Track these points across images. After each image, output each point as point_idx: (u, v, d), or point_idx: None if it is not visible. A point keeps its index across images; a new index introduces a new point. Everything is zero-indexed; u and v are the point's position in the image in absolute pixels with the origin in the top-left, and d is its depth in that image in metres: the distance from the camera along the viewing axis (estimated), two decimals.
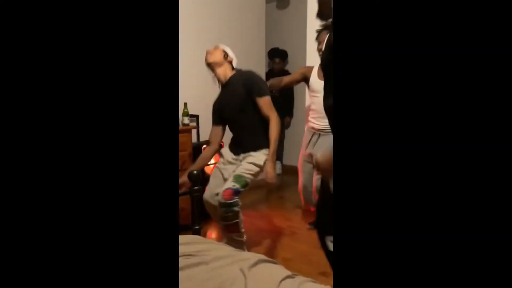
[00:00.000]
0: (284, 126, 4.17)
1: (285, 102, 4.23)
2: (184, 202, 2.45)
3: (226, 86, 2.05)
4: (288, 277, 1.04)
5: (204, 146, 2.80)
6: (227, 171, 2.04)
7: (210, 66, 2.03)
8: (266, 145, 1.96)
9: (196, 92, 3.06)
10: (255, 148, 1.99)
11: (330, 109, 1.38)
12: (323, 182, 1.49)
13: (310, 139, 2.33)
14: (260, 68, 3.51)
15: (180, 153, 2.53)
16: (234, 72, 2.06)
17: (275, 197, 3.16)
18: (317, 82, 2.27)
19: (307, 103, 2.60)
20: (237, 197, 1.83)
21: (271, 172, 1.90)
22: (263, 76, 3.31)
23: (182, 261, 1.14)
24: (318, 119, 2.26)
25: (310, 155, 2.30)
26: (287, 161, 4.44)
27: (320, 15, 1.34)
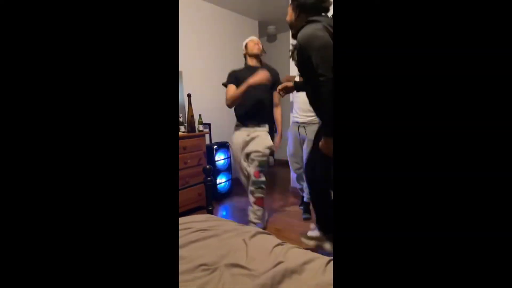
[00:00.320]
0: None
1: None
2: (200, 189, 2.45)
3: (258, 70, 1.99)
4: (279, 244, 1.04)
5: (215, 147, 2.80)
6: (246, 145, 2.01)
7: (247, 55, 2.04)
8: (267, 122, 2.05)
9: (208, 106, 3.08)
10: (264, 122, 2.02)
11: (310, 100, 1.39)
12: (313, 152, 1.50)
13: (298, 130, 2.28)
14: None
15: (197, 152, 2.53)
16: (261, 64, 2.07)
17: (269, 185, 3.14)
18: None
19: (292, 100, 2.56)
20: (262, 175, 1.91)
21: (279, 142, 2.12)
22: None
23: (199, 234, 1.14)
24: (301, 115, 2.23)
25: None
26: (277, 156, 4.43)
27: (293, 35, 1.37)
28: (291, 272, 0.85)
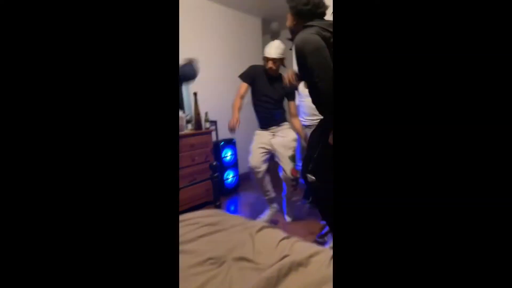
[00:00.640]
0: None
1: None
2: (208, 185, 2.46)
3: (275, 78, 2.01)
4: (284, 238, 1.04)
5: (222, 143, 2.81)
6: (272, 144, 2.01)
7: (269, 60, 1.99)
8: (285, 120, 2.06)
9: (215, 104, 3.08)
10: (283, 121, 2.04)
11: (313, 100, 1.41)
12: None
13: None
14: None
15: (203, 149, 2.53)
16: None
17: (277, 184, 3.16)
18: (304, 90, 2.25)
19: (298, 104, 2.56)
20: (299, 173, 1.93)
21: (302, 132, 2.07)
22: None
23: (207, 229, 1.15)
24: (307, 118, 2.23)
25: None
26: None
27: (291, 40, 1.38)
28: (297, 265, 0.85)
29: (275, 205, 2.09)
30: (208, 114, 2.73)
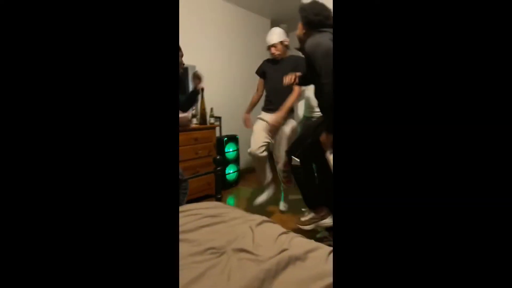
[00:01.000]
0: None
1: None
2: (209, 178, 2.47)
3: (280, 61, 2.00)
4: (283, 233, 1.04)
5: (225, 139, 2.81)
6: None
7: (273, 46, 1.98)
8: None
9: (219, 100, 3.07)
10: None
11: (318, 101, 1.46)
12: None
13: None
14: None
15: (207, 144, 2.54)
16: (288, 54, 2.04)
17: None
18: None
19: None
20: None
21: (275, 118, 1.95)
22: None
23: (208, 220, 1.15)
24: (307, 109, 2.21)
25: None
26: None
27: (299, 49, 1.44)
28: (295, 259, 0.85)
29: (272, 188, 2.11)
30: (213, 110, 2.73)
